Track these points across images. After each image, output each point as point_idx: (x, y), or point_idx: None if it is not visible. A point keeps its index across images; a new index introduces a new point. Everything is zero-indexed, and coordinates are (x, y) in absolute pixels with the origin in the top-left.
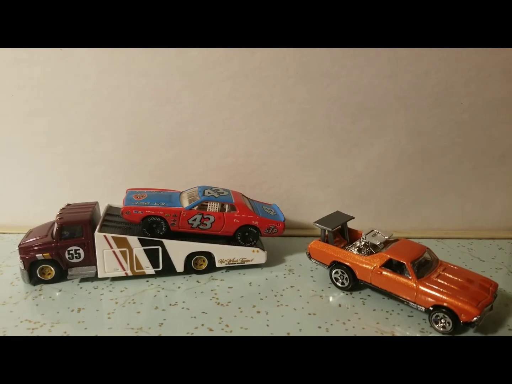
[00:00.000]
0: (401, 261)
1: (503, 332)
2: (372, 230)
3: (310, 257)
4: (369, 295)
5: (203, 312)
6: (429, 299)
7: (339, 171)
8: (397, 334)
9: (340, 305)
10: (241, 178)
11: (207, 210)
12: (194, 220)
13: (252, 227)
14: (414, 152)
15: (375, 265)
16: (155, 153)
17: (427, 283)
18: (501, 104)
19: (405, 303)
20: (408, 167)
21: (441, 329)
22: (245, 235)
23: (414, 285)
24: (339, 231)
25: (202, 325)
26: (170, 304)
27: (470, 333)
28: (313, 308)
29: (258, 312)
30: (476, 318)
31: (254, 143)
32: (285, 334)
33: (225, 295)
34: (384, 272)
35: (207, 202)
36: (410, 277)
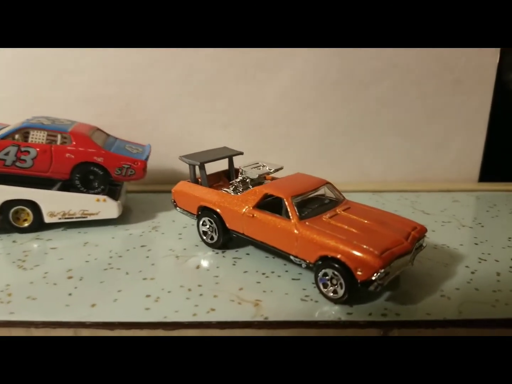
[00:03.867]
0: (279, 196)
1: (434, 299)
2: (257, 163)
3: (175, 205)
4: (247, 254)
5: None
6: (313, 247)
7: (243, 104)
8: (262, 304)
9: (198, 267)
10: (113, 114)
11: (28, 142)
12: (7, 154)
13: (95, 166)
14: (341, 77)
15: (247, 206)
16: None
17: (311, 225)
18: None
19: (293, 260)
20: (334, 98)
21: (331, 294)
22: (88, 179)
23: (294, 228)
24: (225, 174)
25: None
26: None
27: (373, 300)
28: (156, 271)
29: (70, 277)
30: (378, 273)
31: (126, 65)
32: (89, 306)
33: (39, 258)
34: (257, 214)
35: (29, 131)
36: (290, 218)
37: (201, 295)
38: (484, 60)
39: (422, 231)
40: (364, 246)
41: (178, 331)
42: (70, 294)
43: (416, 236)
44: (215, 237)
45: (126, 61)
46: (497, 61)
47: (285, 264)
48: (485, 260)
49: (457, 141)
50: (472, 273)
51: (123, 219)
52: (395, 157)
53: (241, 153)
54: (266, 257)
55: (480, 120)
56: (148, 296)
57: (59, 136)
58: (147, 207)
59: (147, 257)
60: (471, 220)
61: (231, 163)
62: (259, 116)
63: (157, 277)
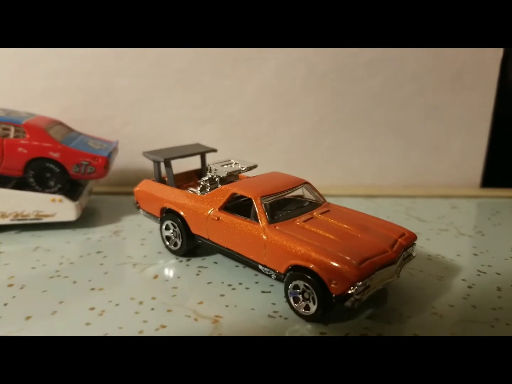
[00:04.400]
0: (248, 195)
1: (424, 317)
2: (229, 160)
3: (138, 207)
4: (215, 262)
5: None
6: (282, 255)
7: (221, 99)
8: (222, 320)
9: (156, 277)
10: (80, 109)
11: None
12: None
13: (51, 162)
14: (329, 70)
15: (212, 208)
16: None
17: (282, 229)
18: None
19: (262, 270)
20: (321, 93)
21: (302, 310)
22: (44, 176)
23: (263, 233)
24: (197, 174)
25: None
26: None
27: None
28: (107, 281)
29: (11, 285)
30: (355, 286)
31: (92, 54)
32: (23, 319)
33: None
34: (223, 217)
35: None
36: (259, 222)
37: (152, 309)
38: (486, 54)
39: (411, 238)
40: (340, 255)
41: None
42: (5, 304)
43: (403, 244)
44: (179, 243)
45: (92, 50)
46: (501, 55)
47: (256, 275)
48: (485, 272)
49: (457, 142)
50: (470, 287)
51: (83, 222)
52: (389, 159)
53: (215, 150)
54: (236, 266)
55: (482, 119)
56: (92, 309)
57: (12, 129)
58: (113, 210)
59: (101, 264)
60: (471, 228)
61: (203, 161)
62: (238, 112)
63: (107, 287)
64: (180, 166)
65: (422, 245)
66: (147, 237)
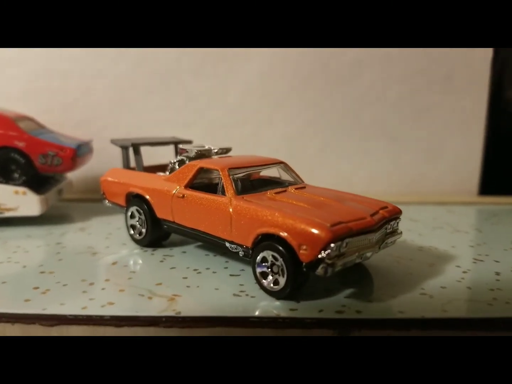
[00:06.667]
0: (215, 168)
1: (412, 297)
2: (202, 145)
3: (104, 197)
4: (184, 252)
5: None
6: (249, 225)
7: (203, 101)
8: (179, 299)
9: (115, 263)
10: (59, 111)
11: None
12: None
13: (15, 152)
14: (315, 71)
15: (178, 186)
16: None
17: (249, 199)
18: None
19: (229, 248)
20: (307, 95)
21: (271, 285)
22: (9, 168)
23: (229, 205)
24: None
25: None
26: None
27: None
28: (60, 266)
29: None
30: (327, 249)
31: (70, 55)
32: None
33: None
34: (188, 194)
35: None
36: (226, 193)
37: (103, 289)
38: (476, 54)
39: (394, 211)
40: (310, 218)
41: (59, 327)
42: None
43: (385, 215)
44: (144, 232)
45: (70, 51)
46: (491, 55)
47: (226, 261)
48: (482, 260)
49: (450, 146)
50: (464, 272)
51: (50, 220)
52: (380, 164)
53: (190, 142)
54: (206, 255)
55: (475, 121)
56: (35, 288)
57: None
58: (84, 214)
59: (58, 253)
60: (468, 226)
61: (177, 152)
62: (222, 115)
63: (58, 271)
64: (156, 160)
65: (413, 239)
66: (114, 233)
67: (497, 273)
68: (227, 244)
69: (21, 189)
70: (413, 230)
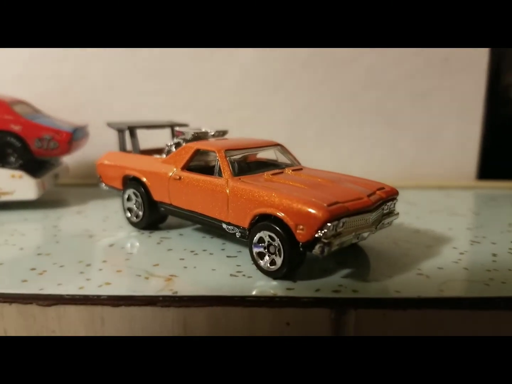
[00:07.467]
0: (211, 149)
1: (408, 277)
2: (199, 128)
3: (101, 181)
4: (181, 234)
5: None
6: (245, 206)
7: (199, 85)
8: (176, 279)
9: (112, 245)
10: (54, 96)
11: None
12: None
13: (11, 136)
14: (312, 55)
15: (175, 168)
16: None
17: (246, 181)
18: None
19: (226, 229)
20: (304, 78)
21: (268, 266)
22: (5, 152)
23: (226, 186)
24: None
25: None
26: None
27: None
28: (56, 248)
29: None
30: (324, 229)
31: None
32: None
33: None
34: (184, 176)
35: None
36: (223, 174)
37: (100, 270)
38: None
39: (391, 192)
40: (307, 198)
41: (56, 307)
42: None
43: (382, 196)
44: (141, 214)
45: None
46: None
47: (223, 243)
48: (479, 242)
49: (448, 131)
50: (461, 253)
51: (46, 204)
52: (378, 148)
53: (186, 125)
54: (203, 237)
55: (474, 105)
56: (32, 269)
57: None
58: (81, 199)
59: (55, 235)
60: (466, 210)
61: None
62: (217, 99)
63: (55, 253)
64: (152, 144)
65: (410, 222)
66: (110, 216)
67: (494, 255)
68: (224, 226)
69: (17, 172)
70: (410, 213)
